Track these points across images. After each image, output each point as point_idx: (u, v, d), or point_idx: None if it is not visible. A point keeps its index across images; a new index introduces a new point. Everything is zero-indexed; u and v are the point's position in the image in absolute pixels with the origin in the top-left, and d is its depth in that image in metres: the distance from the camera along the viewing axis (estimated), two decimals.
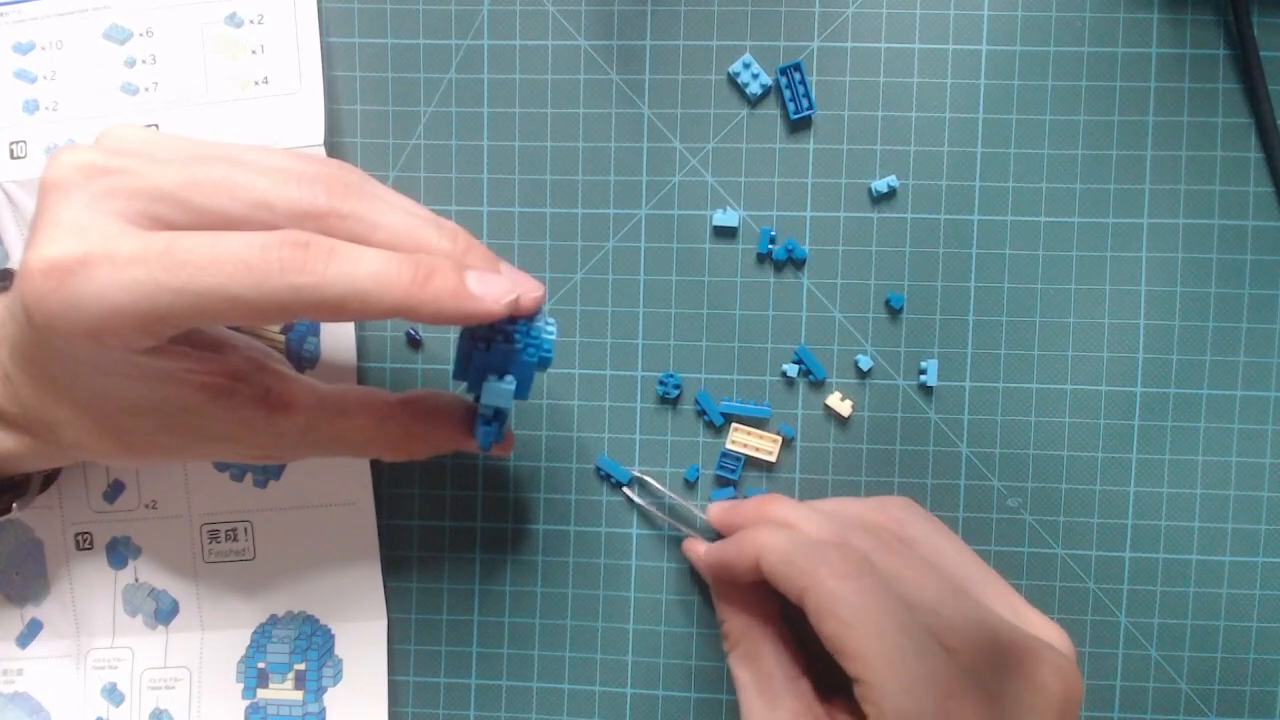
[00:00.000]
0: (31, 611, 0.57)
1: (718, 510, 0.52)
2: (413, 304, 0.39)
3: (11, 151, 0.55)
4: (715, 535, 0.52)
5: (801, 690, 0.47)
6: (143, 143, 0.41)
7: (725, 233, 0.55)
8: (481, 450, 0.47)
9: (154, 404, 0.42)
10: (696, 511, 0.53)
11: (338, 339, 0.55)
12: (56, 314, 0.38)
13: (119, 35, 0.55)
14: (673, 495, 0.54)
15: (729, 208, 0.54)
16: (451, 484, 0.56)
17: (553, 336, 0.44)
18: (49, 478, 0.54)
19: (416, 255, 0.40)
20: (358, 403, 0.47)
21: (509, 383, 0.44)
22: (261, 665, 0.56)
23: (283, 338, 0.55)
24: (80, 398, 0.42)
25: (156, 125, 0.55)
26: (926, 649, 0.41)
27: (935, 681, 0.41)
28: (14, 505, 0.51)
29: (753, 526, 0.48)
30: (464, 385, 0.47)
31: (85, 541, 0.56)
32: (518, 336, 0.43)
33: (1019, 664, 0.43)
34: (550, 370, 0.56)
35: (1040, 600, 0.54)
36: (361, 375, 0.55)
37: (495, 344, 0.43)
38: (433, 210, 0.43)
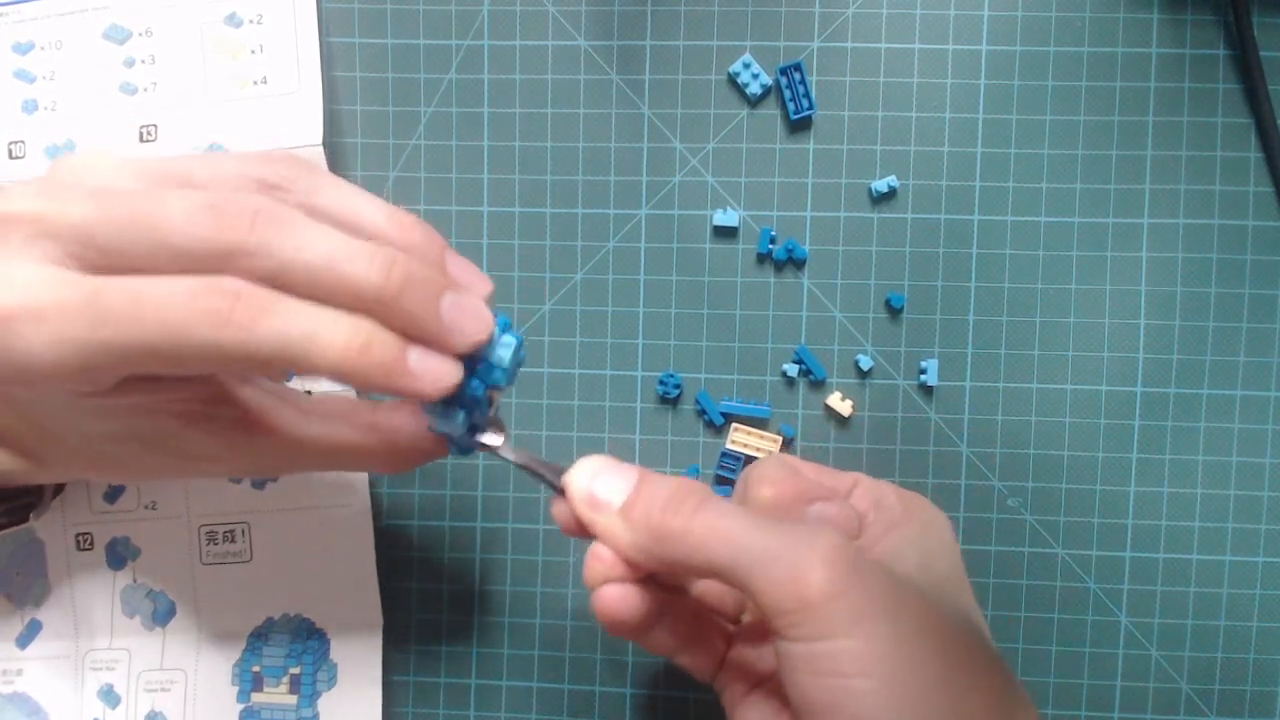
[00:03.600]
0: (31, 612, 0.57)
1: (785, 475, 0.45)
2: (344, 372, 0.36)
3: (10, 151, 0.55)
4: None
5: None
6: (80, 174, 0.40)
7: (725, 233, 0.55)
8: (463, 457, 0.45)
9: (132, 434, 0.42)
10: (553, 479, 0.43)
11: None
12: None
13: (118, 35, 0.55)
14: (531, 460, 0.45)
15: (729, 208, 0.54)
16: (451, 484, 0.56)
17: (505, 363, 0.40)
18: (60, 485, 0.54)
19: (356, 320, 0.37)
20: (340, 417, 0.46)
21: (454, 414, 0.41)
22: (256, 669, 0.56)
23: None
24: (59, 434, 0.42)
25: (155, 125, 0.54)
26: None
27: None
28: (31, 515, 0.50)
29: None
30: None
31: (85, 542, 0.56)
32: (464, 365, 0.39)
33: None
34: (550, 370, 0.55)
35: (1041, 600, 0.54)
36: None
37: None
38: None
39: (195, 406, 0.42)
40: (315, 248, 0.37)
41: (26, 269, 0.36)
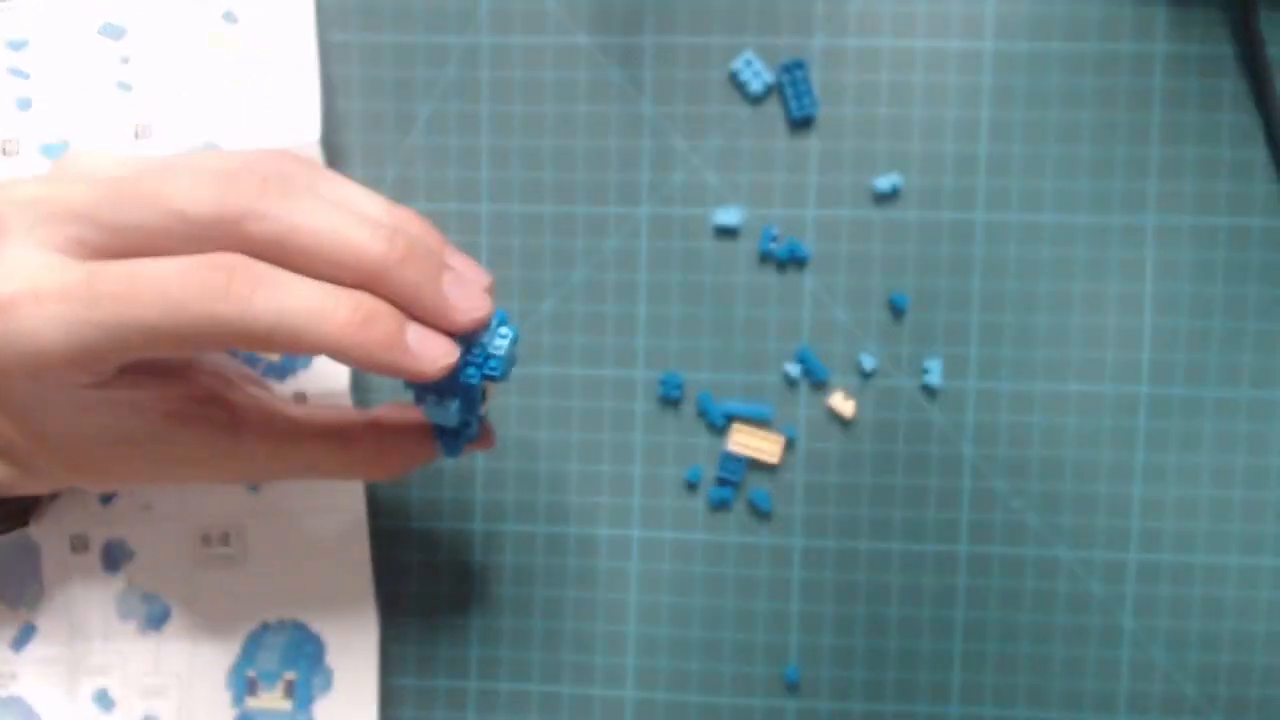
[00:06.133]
0: (26, 615, 0.56)
1: None
2: (344, 347, 0.37)
3: (4, 149, 0.54)
4: None
5: None
6: (84, 166, 0.40)
7: (727, 232, 0.54)
8: (452, 458, 0.45)
9: (120, 434, 0.42)
10: None
11: None
12: None
13: (113, 32, 0.54)
14: None
15: (730, 206, 0.54)
16: (450, 486, 0.56)
17: (501, 352, 0.41)
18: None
19: (357, 295, 0.37)
20: (326, 426, 0.46)
21: (449, 404, 0.41)
22: (251, 674, 0.56)
23: None
24: (46, 433, 0.42)
25: (150, 123, 0.54)
26: None
27: None
28: (29, 520, 0.50)
29: None
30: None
31: (81, 545, 0.56)
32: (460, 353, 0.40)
33: None
34: (551, 371, 0.55)
35: (1043, 604, 0.54)
36: (357, 381, 0.55)
37: None
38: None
39: (184, 406, 0.42)
40: (322, 215, 0.37)
41: (28, 255, 0.37)
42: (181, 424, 0.42)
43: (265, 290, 0.36)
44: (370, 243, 0.38)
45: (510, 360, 0.42)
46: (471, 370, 0.40)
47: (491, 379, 0.41)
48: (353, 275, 0.38)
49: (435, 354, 0.38)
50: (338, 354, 0.37)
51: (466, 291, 0.40)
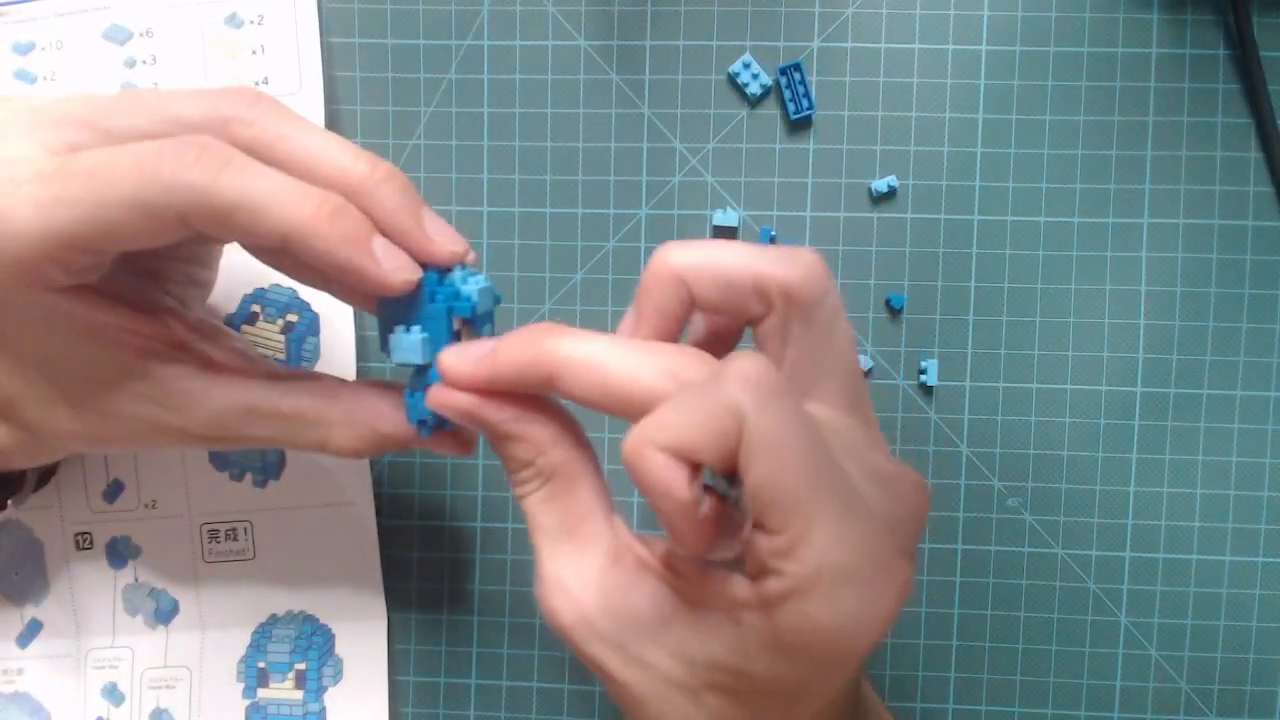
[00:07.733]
0: (31, 611, 0.57)
1: (461, 360, 0.38)
2: (308, 233, 0.37)
3: None
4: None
5: (619, 529, 0.40)
6: (81, 93, 0.42)
7: (725, 233, 0.55)
8: (420, 434, 0.43)
9: (97, 366, 0.42)
10: None
11: (338, 338, 0.55)
12: None
13: (119, 36, 0.55)
14: None
15: (729, 208, 0.54)
16: (451, 484, 0.56)
17: (474, 290, 0.40)
18: (44, 476, 0.54)
19: (328, 191, 0.38)
20: (301, 382, 0.45)
21: (416, 333, 0.40)
22: (262, 665, 0.56)
23: (282, 338, 0.55)
24: (26, 359, 0.42)
25: None
26: (856, 493, 0.35)
27: (867, 531, 0.34)
28: (9, 503, 0.50)
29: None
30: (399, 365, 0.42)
31: (85, 541, 0.56)
32: (427, 283, 0.39)
33: (902, 494, 0.38)
34: None
35: (1041, 600, 0.54)
36: (361, 375, 0.55)
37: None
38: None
39: (159, 347, 0.43)
40: (310, 133, 0.39)
41: (19, 150, 0.38)
42: (156, 363, 0.42)
43: (233, 168, 0.37)
44: (354, 160, 0.39)
45: (486, 308, 0.41)
46: (439, 305, 0.40)
47: (460, 310, 0.40)
48: (334, 188, 0.38)
49: (398, 264, 0.39)
50: (302, 242, 0.37)
51: (443, 227, 0.40)
